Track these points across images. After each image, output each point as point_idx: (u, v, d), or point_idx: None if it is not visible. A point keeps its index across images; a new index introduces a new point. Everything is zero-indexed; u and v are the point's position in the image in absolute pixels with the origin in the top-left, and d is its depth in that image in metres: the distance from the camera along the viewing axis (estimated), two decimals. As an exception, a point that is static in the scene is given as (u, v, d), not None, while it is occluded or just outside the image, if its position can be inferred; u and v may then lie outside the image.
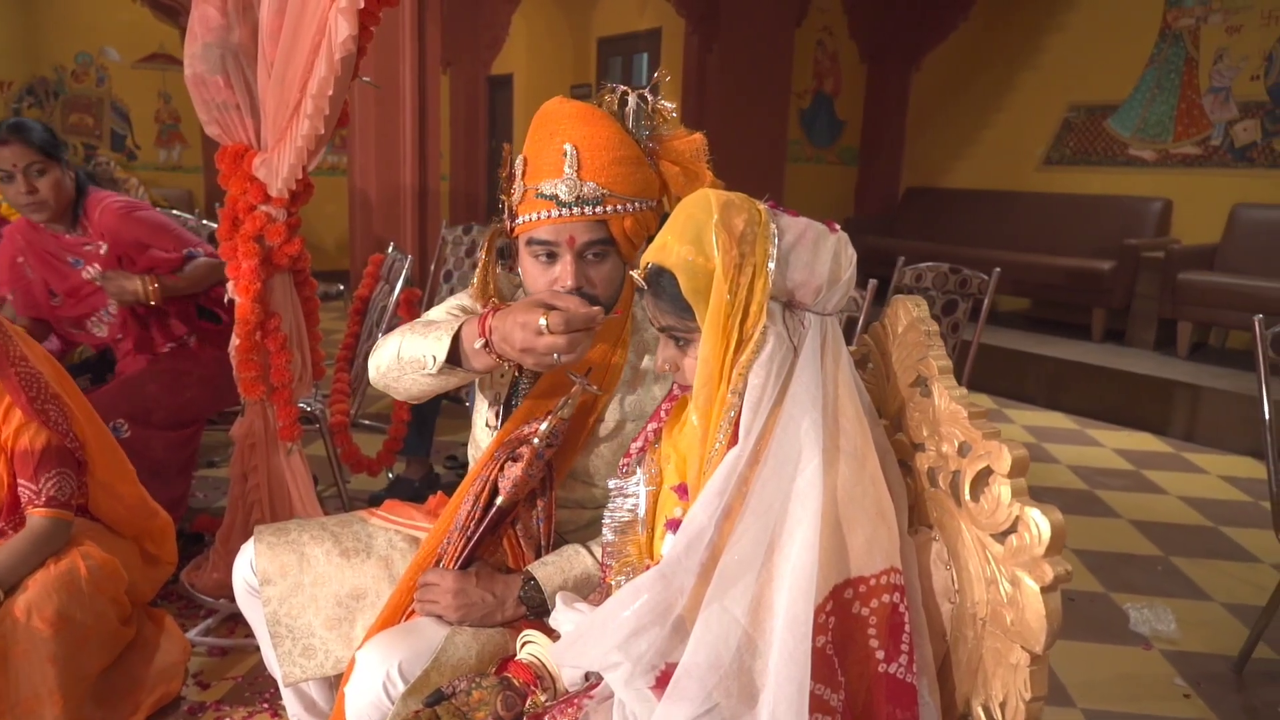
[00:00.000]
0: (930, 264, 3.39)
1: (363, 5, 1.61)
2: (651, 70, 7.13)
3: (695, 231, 0.95)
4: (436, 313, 1.33)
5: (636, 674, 0.93)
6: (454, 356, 1.18)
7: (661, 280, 0.99)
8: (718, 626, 0.91)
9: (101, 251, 2.37)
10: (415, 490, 2.97)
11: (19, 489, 1.63)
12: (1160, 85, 5.69)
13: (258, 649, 2.07)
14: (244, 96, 2.04)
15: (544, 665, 1.10)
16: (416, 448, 2.99)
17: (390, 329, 2.68)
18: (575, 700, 1.02)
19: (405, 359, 1.23)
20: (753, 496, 0.94)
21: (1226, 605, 2.59)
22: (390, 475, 3.14)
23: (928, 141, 7.23)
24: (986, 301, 3.24)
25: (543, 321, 1.06)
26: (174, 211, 5.00)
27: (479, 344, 1.15)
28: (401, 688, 1.14)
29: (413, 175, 4.89)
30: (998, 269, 3.27)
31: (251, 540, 1.42)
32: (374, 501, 2.97)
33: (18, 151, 2.20)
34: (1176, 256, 5.01)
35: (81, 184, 2.38)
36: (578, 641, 0.99)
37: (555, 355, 1.08)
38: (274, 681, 1.95)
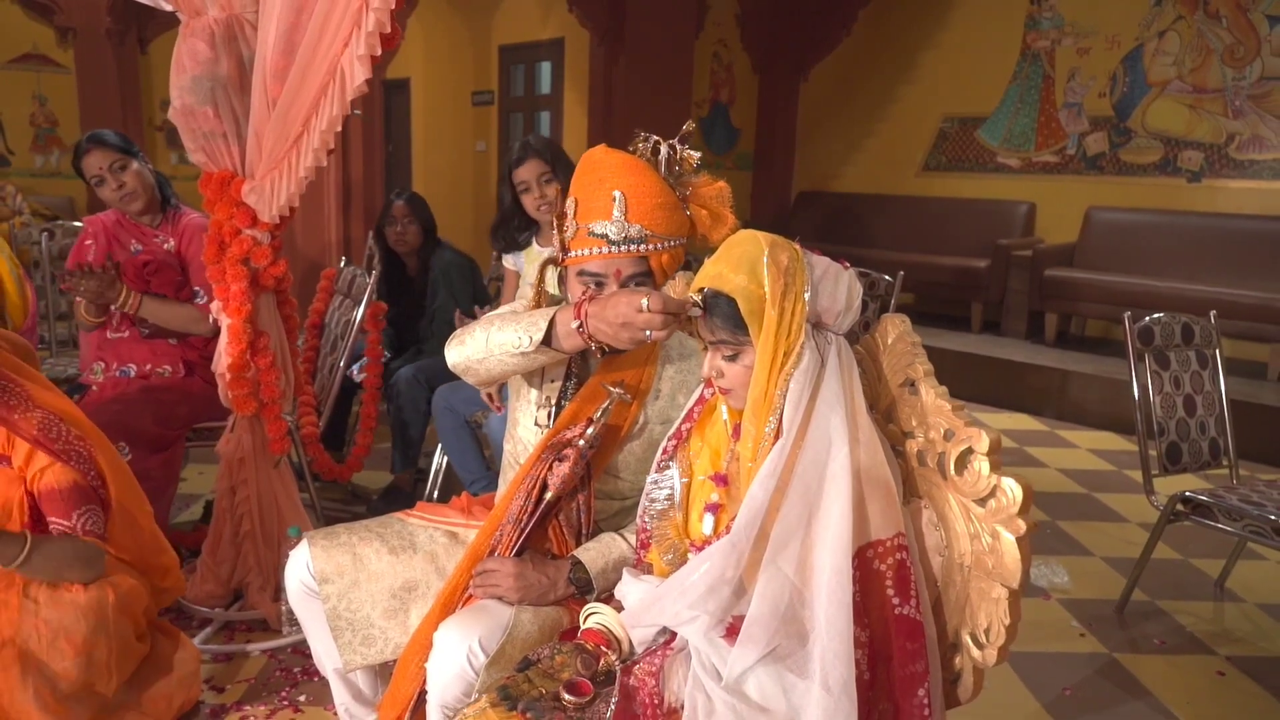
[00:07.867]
0: (841, 268, 3.72)
1: (379, 53, 1.75)
2: (556, 79, 7.26)
3: (750, 264, 1.18)
4: (506, 310, 1.54)
5: (711, 626, 1.16)
6: (545, 339, 1.38)
7: (719, 302, 1.21)
8: (775, 583, 1.15)
9: (166, 247, 2.55)
10: (408, 498, 3.10)
11: (51, 527, 1.65)
12: (1023, 100, 6.31)
13: (260, 654, 2.18)
14: (231, 125, 2.13)
15: (611, 631, 1.31)
16: (405, 462, 3.12)
17: (355, 344, 2.79)
18: (656, 653, 1.23)
19: (494, 343, 1.42)
20: (795, 478, 1.18)
21: (1106, 559, 3.03)
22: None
23: (817, 148, 7.69)
24: (893, 302, 3.59)
25: (644, 301, 1.26)
26: (58, 221, 4.76)
27: (574, 324, 1.34)
28: (483, 659, 1.32)
29: (336, 184, 4.91)
30: (902, 272, 3.63)
31: (304, 545, 1.56)
32: (365, 496, 3.09)
33: (99, 156, 2.45)
34: (1042, 255, 5.60)
35: (163, 182, 2.58)
36: (656, 603, 1.21)
37: (648, 332, 1.27)
38: (288, 681, 2.07)
